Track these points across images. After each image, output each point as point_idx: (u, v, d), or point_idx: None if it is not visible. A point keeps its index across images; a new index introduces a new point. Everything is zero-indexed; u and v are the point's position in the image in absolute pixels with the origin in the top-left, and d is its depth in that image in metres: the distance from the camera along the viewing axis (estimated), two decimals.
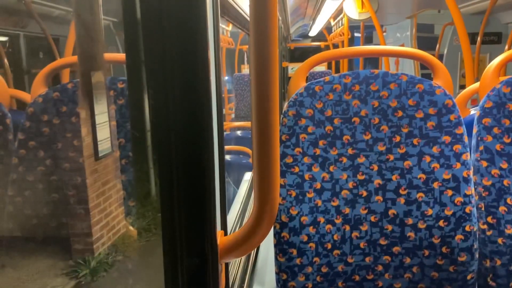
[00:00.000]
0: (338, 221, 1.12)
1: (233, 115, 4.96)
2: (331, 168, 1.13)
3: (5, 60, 1.89)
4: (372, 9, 4.21)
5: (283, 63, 7.17)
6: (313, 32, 6.30)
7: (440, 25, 6.02)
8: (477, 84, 1.36)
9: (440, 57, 5.98)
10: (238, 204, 1.83)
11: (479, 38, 4.75)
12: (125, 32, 0.60)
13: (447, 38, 5.86)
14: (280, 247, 1.12)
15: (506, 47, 4.26)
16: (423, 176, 1.11)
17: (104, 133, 1.01)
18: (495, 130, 1.18)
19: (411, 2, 5.44)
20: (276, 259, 1.13)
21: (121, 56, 0.61)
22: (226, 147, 3.03)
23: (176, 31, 0.56)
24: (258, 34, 0.58)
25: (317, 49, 10.07)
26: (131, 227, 0.65)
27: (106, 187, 1.01)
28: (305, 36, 9.15)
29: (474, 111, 1.32)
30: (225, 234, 0.79)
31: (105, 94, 0.98)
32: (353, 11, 4.34)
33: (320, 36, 8.56)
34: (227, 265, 0.81)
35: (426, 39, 6.60)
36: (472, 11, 5.12)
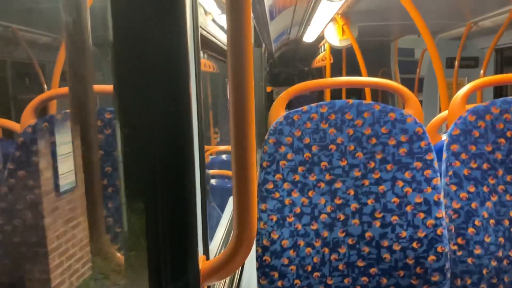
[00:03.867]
0: (318, 244, 1.17)
1: (218, 139, 5.00)
2: (310, 193, 1.18)
3: None
4: (353, 36, 4.34)
5: (267, 88, 7.26)
6: (308, 38, 6.27)
7: (420, 49, 6.20)
8: (446, 112, 1.44)
9: (421, 81, 6.15)
10: (223, 228, 1.86)
11: (456, 63, 4.91)
12: (112, 61, 0.63)
13: (427, 62, 6.03)
14: (262, 270, 1.16)
15: (481, 71, 4.41)
16: (397, 200, 1.17)
17: (67, 166, 1.02)
18: (463, 156, 1.25)
19: (391, 29, 5.62)
20: (258, 282, 1.17)
21: (109, 87, 0.65)
22: (211, 171, 3.06)
23: (159, 60, 0.60)
24: (234, 61, 0.63)
25: (302, 73, 10.23)
26: (118, 254, 0.69)
27: (68, 226, 1.01)
28: (287, 43, 9.02)
29: (445, 137, 1.39)
30: (207, 258, 0.83)
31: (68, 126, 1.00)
32: (334, 38, 4.46)
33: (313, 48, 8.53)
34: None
35: (407, 63, 6.78)
36: (449, 36, 5.30)
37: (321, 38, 6.17)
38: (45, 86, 2.07)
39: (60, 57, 1.90)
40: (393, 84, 1.31)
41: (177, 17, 0.60)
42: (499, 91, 5.06)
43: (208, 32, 1.27)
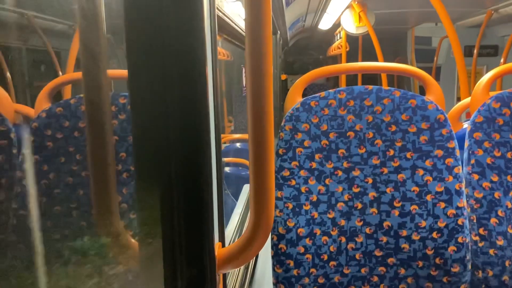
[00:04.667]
0: (334, 233, 1.15)
1: (232, 127, 4.99)
2: (327, 181, 1.16)
3: (8, 74, 1.93)
4: (369, 23, 4.27)
5: (282, 76, 7.22)
6: (323, 25, 6.21)
7: (437, 37, 6.09)
8: (469, 99, 1.40)
9: (438, 70, 6.04)
10: (237, 216, 1.85)
11: (475, 51, 4.81)
12: (127, 48, 0.63)
13: (444, 51, 5.92)
14: (278, 258, 1.14)
15: (502, 60, 4.31)
16: (417, 188, 1.14)
17: None
18: (486, 144, 1.21)
19: (409, 16, 5.51)
20: (273, 270, 1.15)
21: (123, 72, 0.64)
22: (225, 159, 3.05)
23: (175, 46, 0.58)
24: (253, 49, 0.61)
25: (317, 61, 10.14)
26: (132, 240, 0.68)
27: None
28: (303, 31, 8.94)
29: (467, 125, 1.35)
30: (223, 245, 0.82)
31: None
32: (351, 25, 4.39)
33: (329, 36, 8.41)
34: (225, 276, 0.84)
35: (424, 51, 6.67)
36: (468, 24, 5.18)
37: (336, 26, 6.09)
38: (60, 73, 2.07)
39: (74, 44, 1.89)
40: (414, 69, 1.27)
41: (194, 1, 0.59)
42: None
43: (223, 14, 1.24)
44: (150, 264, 0.62)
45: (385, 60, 4.91)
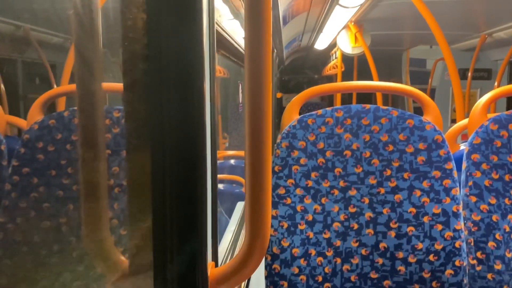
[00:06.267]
0: (329, 253, 1.12)
1: (227, 144, 4.98)
2: (323, 200, 1.14)
3: (1, 86, 1.91)
4: (365, 44, 4.31)
5: (277, 94, 7.24)
6: (319, 45, 6.27)
7: (432, 60, 6.16)
8: (466, 120, 1.39)
9: (432, 92, 6.10)
10: (230, 234, 1.82)
11: (469, 74, 4.86)
12: (123, 62, 0.62)
13: (439, 73, 5.98)
14: (271, 279, 1.11)
15: (496, 83, 4.36)
16: (413, 210, 1.12)
17: None
18: (484, 166, 1.20)
19: (404, 38, 5.58)
20: None
21: (118, 85, 0.62)
22: (219, 176, 3.03)
23: (173, 63, 0.58)
24: (252, 67, 0.60)
25: (312, 80, 10.21)
26: (122, 257, 0.65)
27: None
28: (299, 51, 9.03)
29: (463, 146, 1.34)
30: (216, 265, 0.79)
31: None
32: (347, 46, 4.43)
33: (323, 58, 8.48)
34: None
35: (418, 73, 6.74)
36: (463, 47, 5.25)
37: (332, 46, 6.15)
38: (55, 86, 2.06)
39: (70, 57, 1.88)
40: (412, 89, 1.27)
41: (193, 19, 0.58)
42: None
43: (222, 29, 1.24)
44: (140, 283, 0.60)
45: (380, 80, 4.95)
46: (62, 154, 1.09)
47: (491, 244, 1.17)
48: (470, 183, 1.20)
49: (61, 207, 1.05)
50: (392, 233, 1.12)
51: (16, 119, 1.36)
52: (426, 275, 1.10)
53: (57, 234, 1.02)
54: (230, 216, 2.27)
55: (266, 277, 1.12)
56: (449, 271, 1.10)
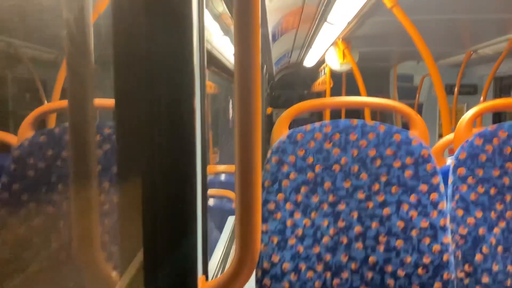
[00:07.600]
0: (319, 268, 1.13)
1: (217, 158, 4.98)
2: (312, 215, 1.15)
3: None
4: (353, 61, 4.36)
5: (268, 109, 7.27)
6: (308, 62, 6.33)
7: (419, 75, 6.25)
8: (452, 135, 1.42)
9: (420, 107, 6.17)
10: (221, 249, 1.82)
11: (456, 89, 4.94)
12: (114, 79, 0.63)
13: (426, 89, 6.07)
14: None
15: (482, 98, 4.43)
16: (402, 223, 1.14)
17: None
18: (470, 180, 1.22)
19: (392, 54, 5.67)
20: None
21: (110, 102, 0.63)
22: (210, 191, 3.03)
23: (164, 80, 0.59)
24: (242, 82, 0.62)
25: (301, 96, 10.27)
26: (113, 273, 0.66)
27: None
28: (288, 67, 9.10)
29: (450, 160, 1.36)
30: (207, 279, 0.80)
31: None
32: (335, 62, 4.49)
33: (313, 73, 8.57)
34: None
35: (406, 88, 6.82)
36: (449, 63, 5.35)
37: (321, 62, 6.21)
38: (46, 102, 2.05)
39: (61, 73, 1.88)
40: (399, 105, 1.29)
41: (183, 35, 0.59)
42: (498, 118, 5.08)
43: (212, 46, 1.26)
44: None
45: (368, 96, 5.00)
46: (53, 170, 1.10)
47: (478, 257, 1.19)
48: (457, 196, 1.22)
49: (52, 224, 1.05)
50: (381, 247, 1.13)
51: (7, 135, 1.35)
52: None
53: (47, 250, 1.01)
54: (220, 231, 2.27)
55: None
56: (437, 285, 1.11)
